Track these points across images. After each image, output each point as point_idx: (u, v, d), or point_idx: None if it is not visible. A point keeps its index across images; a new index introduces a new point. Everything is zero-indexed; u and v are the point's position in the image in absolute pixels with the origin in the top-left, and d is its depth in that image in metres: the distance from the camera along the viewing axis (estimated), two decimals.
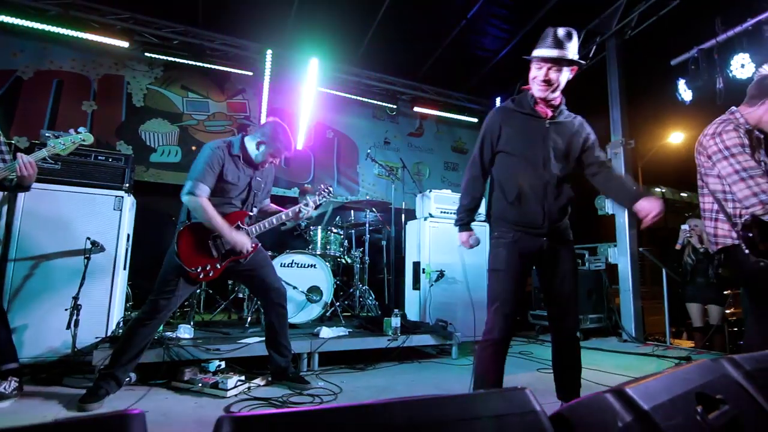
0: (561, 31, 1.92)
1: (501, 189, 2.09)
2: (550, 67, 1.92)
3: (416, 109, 7.27)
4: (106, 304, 3.21)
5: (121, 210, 3.37)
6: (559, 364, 2.10)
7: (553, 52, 1.90)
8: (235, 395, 2.52)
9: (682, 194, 12.79)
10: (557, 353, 2.11)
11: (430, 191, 4.61)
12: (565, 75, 1.96)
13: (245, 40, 5.90)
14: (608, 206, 5.58)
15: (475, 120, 7.61)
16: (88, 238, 3.07)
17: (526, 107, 2.05)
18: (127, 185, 3.46)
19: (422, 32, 5.90)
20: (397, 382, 2.90)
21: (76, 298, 2.87)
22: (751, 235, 2.04)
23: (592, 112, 6.36)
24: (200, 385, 2.57)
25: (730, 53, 3.53)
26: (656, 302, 5.80)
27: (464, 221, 2.25)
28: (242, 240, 2.50)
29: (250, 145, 2.62)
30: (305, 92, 6.13)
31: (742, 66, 3.42)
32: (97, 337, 3.03)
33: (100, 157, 3.41)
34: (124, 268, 3.55)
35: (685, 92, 3.88)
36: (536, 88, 1.98)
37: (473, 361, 2.09)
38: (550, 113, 2.03)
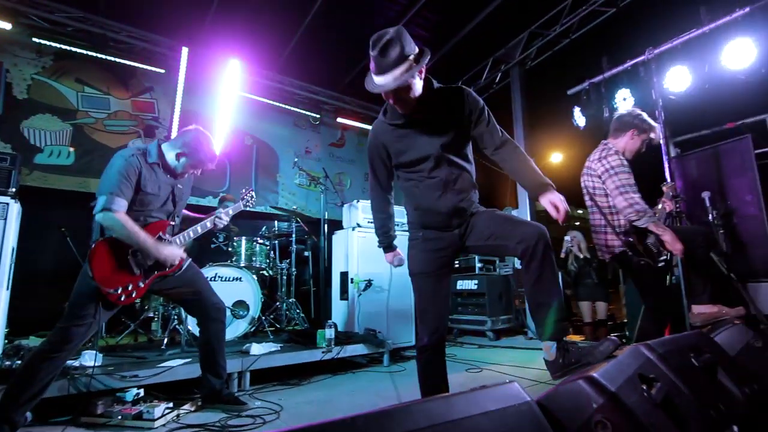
0: (380, 47, 1.62)
1: (407, 197, 1.99)
2: (392, 96, 1.70)
3: (339, 119, 7.30)
4: None
5: (5, 219, 2.85)
6: (532, 298, 1.76)
7: (381, 80, 1.65)
8: (164, 425, 2.27)
9: (579, 211, 14.63)
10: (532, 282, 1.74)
11: (358, 201, 4.64)
12: (416, 83, 1.70)
13: (157, 35, 5.41)
14: None
15: None
16: None
17: (397, 114, 1.82)
18: (14, 190, 2.95)
19: (346, 43, 5.98)
20: (337, 394, 2.86)
21: None
22: (631, 239, 2.53)
23: None
24: (120, 417, 2.26)
25: (614, 88, 4.21)
26: None
27: (384, 243, 2.18)
28: (172, 252, 2.28)
29: (169, 154, 2.38)
30: (223, 95, 5.79)
31: (624, 99, 4.10)
32: None
33: None
34: (7, 288, 3.00)
35: (579, 118, 4.49)
36: (399, 109, 1.77)
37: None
38: (421, 108, 1.79)
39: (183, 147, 2.37)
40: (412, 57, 1.65)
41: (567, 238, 5.53)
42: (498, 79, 6.79)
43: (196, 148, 2.39)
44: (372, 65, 1.68)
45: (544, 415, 1.08)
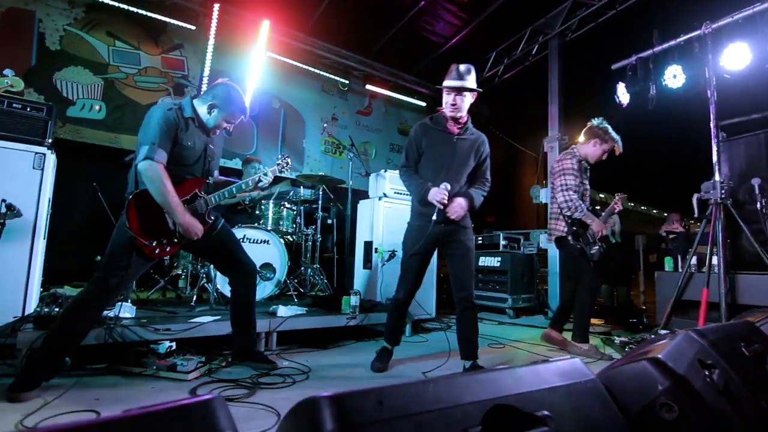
0: (462, 67, 2.52)
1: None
2: (456, 94, 2.49)
3: (368, 86, 7.13)
4: (24, 279, 2.75)
5: (42, 169, 2.87)
6: (460, 330, 2.59)
7: (456, 83, 2.50)
8: (197, 378, 2.32)
9: (600, 195, 14.32)
10: (459, 321, 2.59)
11: (386, 171, 4.57)
12: (468, 100, 2.53)
13: None
14: (542, 195, 6.03)
15: (423, 104, 7.68)
16: (3, 201, 2.59)
17: (440, 125, 2.60)
18: (50, 141, 2.95)
19: (379, 8, 5.76)
20: (363, 359, 2.88)
21: None
22: (575, 228, 3.22)
23: (531, 107, 6.78)
24: (155, 368, 2.32)
25: (664, 64, 3.95)
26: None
27: (426, 187, 2.52)
28: (193, 225, 2.24)
29: (201, 108, 2.36)
30: (253, 56, 5.68)
31: (674, 76, 3.86)
32: (15, 317, 2.59)
33: (15, 105, 2.86)
34: (44, 237, 3.06)
35: (623, 95, 4.27)
36: (447, 110, 2.54)
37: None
38: (456, 130, 2.59)
39: (214, 99, 2.35)
40: (475, 86, 2.55)
41: None
42: (535, 51, 6.50)
43: (228, 99, 2.36)
44: (453, 74, 2.53)
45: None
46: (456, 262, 2.59)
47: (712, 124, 3.55)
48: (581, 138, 3.44)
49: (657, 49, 4.01)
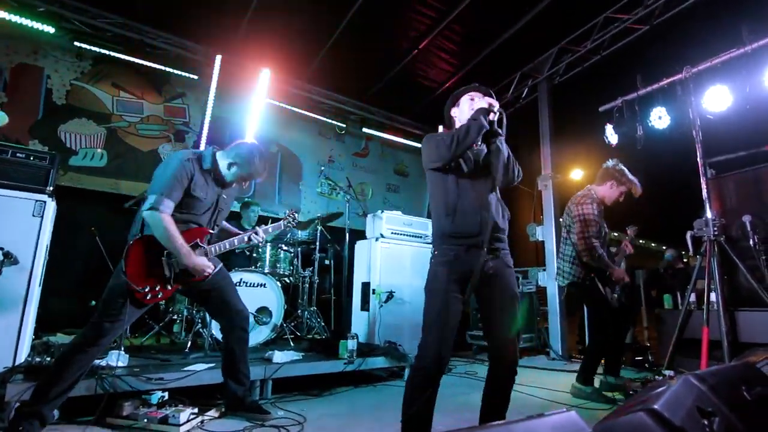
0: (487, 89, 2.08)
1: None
2: (483, 94, 2.02)
3: (364, 129, 7.33)
4: (16, 328, 2.71)
5: (42, 216, 2.90)
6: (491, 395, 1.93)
7: (487, 100, 1.96)
8: (188, 430, 2.25)
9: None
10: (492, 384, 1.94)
11: (382, 212, 4.62)
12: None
13: (192, 42, 5.54)
14: (538, 233, 6.06)
15: (418, 145, 7.85)
16: (1, 249, 2.61)
17: None
18: (51, 189, 3.00)
19: (374, 55, 6.02)
20: (361, 408, 2.81)
21: None
22: (592, 274, 3.17)
23: (525, 148, 6.95)
24: (146, 420, 2.26)
25: (649, 106, 4.11)
26: (570, 321, 6.30)
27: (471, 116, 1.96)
28: (203, 264, 2.30)
29: (222, 162, 2.44)
30: (253, 102, 5.88)
31: (659, 117, 4.00)
32: (5, 367, 2.53)
33: (19, 155, 2.93)
34: (39, 285, 3.05)
35: (612, 136, 4.40)
36: (481, 104, 1.95)
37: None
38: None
39: (236, 158, 2.43)
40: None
41: None
42: (525, 93, 6.74)
43: (249, 160, 2.44)
44: (476, 93, 2.04)
45: None
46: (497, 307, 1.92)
47: (699, 163, 3.64)
48: (597, 180, 3.39)
49: (641, 92, 4.17)
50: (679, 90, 3.81)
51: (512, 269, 1.97)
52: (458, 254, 1.84)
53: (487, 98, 1.98)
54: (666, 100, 4.01)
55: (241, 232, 2.63)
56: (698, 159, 3.63)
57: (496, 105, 1.93)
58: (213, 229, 2.49)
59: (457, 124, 2.04)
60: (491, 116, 1.90)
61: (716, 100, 3.79)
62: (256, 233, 2.60)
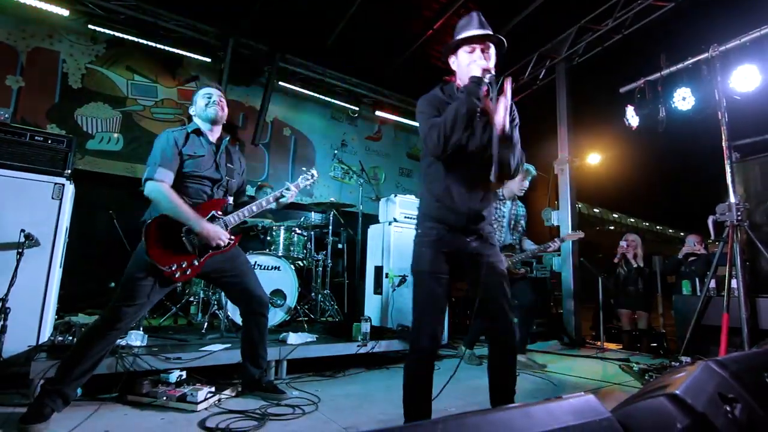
0: (484, 17, 1.85)
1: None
2: (482, 49, 1.77)
3: (377, 113, 7.26)
4: (39, 307, 2.79)
5: (61, 199, 2.95)
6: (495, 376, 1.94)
7: (480, 31, 1.78)
8: (206, 408, 2.30)
9: (614, 215, 14.19)
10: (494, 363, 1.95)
11: (395, 196, 4.59)
12: (493, 59, 1.80)
13: (206, 25, 5.50)
14: (554, 218, 5.97)
15: None
16: (22, 231, 2.66)
17: (453, 97, 1.86)
18: (69, 171, 3.04)
19: (389, 37, 5.92)
20: (374, 389, 2.84)
21: (4, 300, 2.47)
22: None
23: (540, 130, 6.82)
24: (165, 398, 2.31)
25: (673, 86, 3.96)
26: (584, 307, 6.26)
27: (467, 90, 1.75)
28: (215, 231, 2.26)
29: (195, 119, 2.47)
30: (266, 87, 5.85)
31: (683, 99, 3.86)
32: (29, 346, 2.61)
33: (37, 138, 2.97)
34: (60, 266, 3.12)
35: (632, 118, 4.26)
36: (476, 70, 1.75)
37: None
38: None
39: (191, 107, 2.49)
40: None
41: (623, 243, 5.29)
42: (542, 75, 6.56)
43: (195, 101, 2.46)
44: (474, 23, 1.83)
45: None
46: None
47: (724, 146, 3.52)
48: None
49: (665, 72, 4.02)
50: (704, 70, 3.66)
51: (497, 247, 1.94)
52: (441, 234, 1.82)
53: (485, 57, 1.76)
54: (691, 80, 3.86)
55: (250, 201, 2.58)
56: (723, 142, 3.51)
57: (492, 69, 1.74)
58: (227, 198, 2.47)
59: (458, 81, 1.87)
60: (484, 88, 1.70)
61: (744, 80, 3.63)
62: (288, 189, 2.54)
